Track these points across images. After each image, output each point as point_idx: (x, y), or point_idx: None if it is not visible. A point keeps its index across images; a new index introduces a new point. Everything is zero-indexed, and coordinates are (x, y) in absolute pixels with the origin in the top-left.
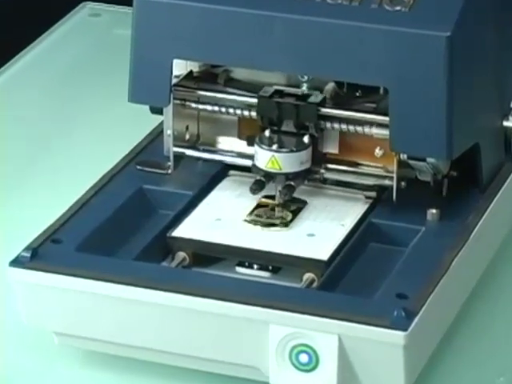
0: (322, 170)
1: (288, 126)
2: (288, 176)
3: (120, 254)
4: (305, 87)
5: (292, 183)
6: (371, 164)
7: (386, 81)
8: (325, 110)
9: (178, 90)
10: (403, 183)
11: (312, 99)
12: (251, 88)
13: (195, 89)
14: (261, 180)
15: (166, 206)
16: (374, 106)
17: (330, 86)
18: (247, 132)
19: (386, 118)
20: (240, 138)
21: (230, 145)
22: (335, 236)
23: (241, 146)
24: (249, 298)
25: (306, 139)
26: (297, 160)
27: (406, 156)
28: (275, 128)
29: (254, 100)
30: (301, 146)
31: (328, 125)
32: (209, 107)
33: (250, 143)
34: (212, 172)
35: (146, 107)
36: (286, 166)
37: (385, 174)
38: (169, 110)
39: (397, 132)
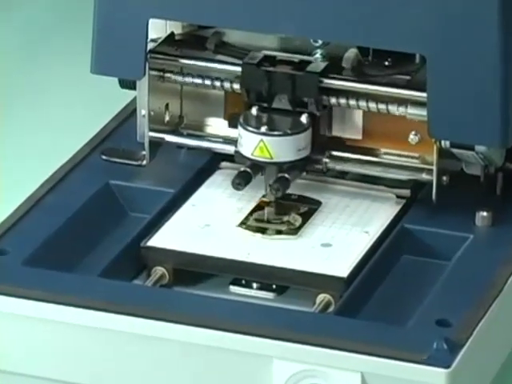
0: (326, 159)
1: (281, 102)
2: (281, 166)
3: (81, 268)
4: (318, 54)
5: (286, 175)
6: (404, 153)
7: (424, 46)
8: (328, 82)
9: (156, 57)
10: (445, 178)
11: (312, 67)
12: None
13: (177, 56)
14: (246, 171)
15: (139, 207)
16: (407, 78)
17: (352, 53)
18: (235, 111)
19: (424, 95)
20: (226, 118)
21: (222, 129)
22: (357, 246)
23: (235, 129)
24: (247, 325)
25: (303, 119)
26: (292, 146)
27: (448, 143)
28: (264, 105)
29: (225, 67)
30: (297, 128)
31: (333, 100)
32: (195, 80)
33: (233, 124)
34: (199, 164)
35: (114, 80)
36: (279, 154)
37: (422, 166)
38: (143, 84)
39: (437, 112)
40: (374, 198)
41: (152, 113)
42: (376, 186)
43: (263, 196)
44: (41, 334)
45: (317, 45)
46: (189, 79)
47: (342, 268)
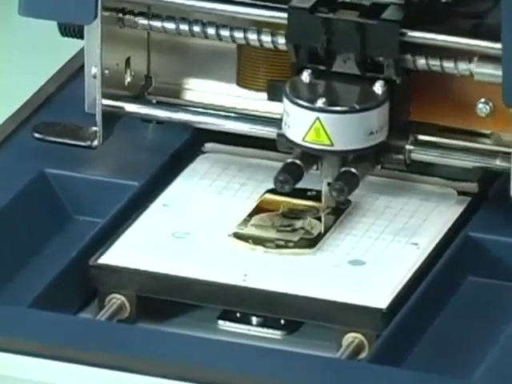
0: (409, 147)
1: (345, 64)
2: (345, 157)
3: (6, 296)
4: None
5: (352, 170)
6: (469, 130)
7: None
8: (413, 35)
9: None
10: None
11: (389, 14)
12: None
13: None
14: (295, 164)
15: (88, 207)
16: (474, 21)
17: None
18: (254, 71)
19: (497, 45)
20: (242, 84)
21: (210, 93)
22: (402, 265)
23: (231, 95)
24: (244, 377)
25: (378, 88)
26: (361, 127)
27: None
28: (321, 68)
29: (262, 12)
30: (369, 102)
31: (421, 62)
32: (168, 25)
33: (274, 94)
34: (174, 145)
35: (53, 25)
36: (342, 139)
37: (494, 148)
38: (94, 31)
39: None
40: (426, 196)
41: (107, 72)
42: (429, 178)
43: (267, 192)
44: None
45: None
46: (159, 24)
47: (379, 296)
